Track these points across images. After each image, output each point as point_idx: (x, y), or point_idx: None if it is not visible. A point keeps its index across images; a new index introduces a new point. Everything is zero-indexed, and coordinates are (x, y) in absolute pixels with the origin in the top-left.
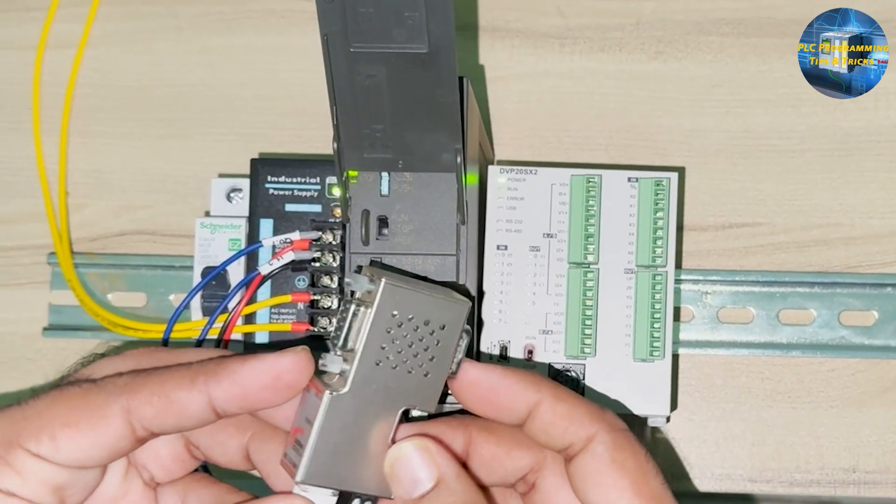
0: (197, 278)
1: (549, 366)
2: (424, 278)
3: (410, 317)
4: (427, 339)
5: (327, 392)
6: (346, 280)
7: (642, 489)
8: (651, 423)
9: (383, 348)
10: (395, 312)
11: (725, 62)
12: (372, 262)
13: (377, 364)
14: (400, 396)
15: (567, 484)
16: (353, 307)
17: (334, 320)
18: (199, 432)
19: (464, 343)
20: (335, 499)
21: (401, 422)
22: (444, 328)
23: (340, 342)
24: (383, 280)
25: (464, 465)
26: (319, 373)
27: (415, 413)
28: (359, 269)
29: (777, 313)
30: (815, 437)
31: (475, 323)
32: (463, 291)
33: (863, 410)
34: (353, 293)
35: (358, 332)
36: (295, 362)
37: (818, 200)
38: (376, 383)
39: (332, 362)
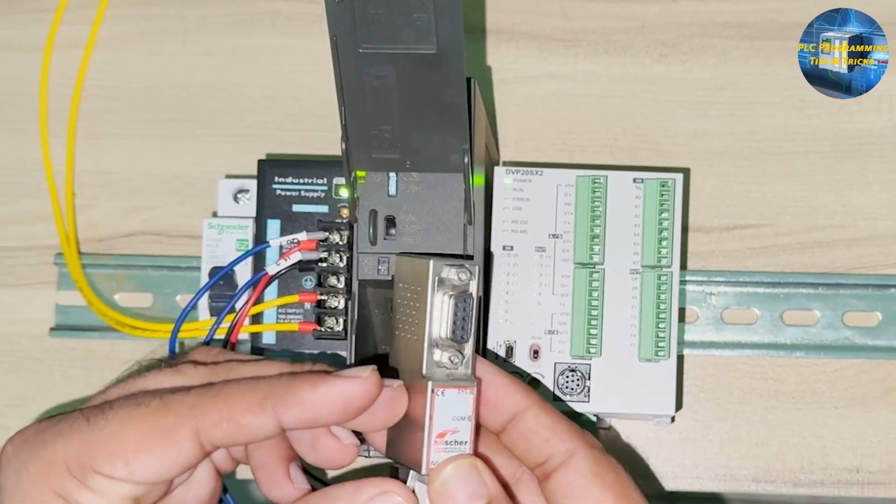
0: (204, 278)
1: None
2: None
3: (408, 286)
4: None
5: (473, 385)
6: (448, 275)
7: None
8: (656, 423)
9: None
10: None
11: (729, 65)
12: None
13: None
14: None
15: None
16: (465, 303)
17: (445, 320)
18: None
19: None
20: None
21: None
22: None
23: (464, 336)
24: (476, 267)
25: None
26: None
27: None
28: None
29: (781, 314)
30: (819, 437)
31: (481, 319)
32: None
33: (866, 411)
34: (446, 285)
35: (470, 323)
36: (364, 389)
37: (822, 202)
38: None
39: (448, 355)
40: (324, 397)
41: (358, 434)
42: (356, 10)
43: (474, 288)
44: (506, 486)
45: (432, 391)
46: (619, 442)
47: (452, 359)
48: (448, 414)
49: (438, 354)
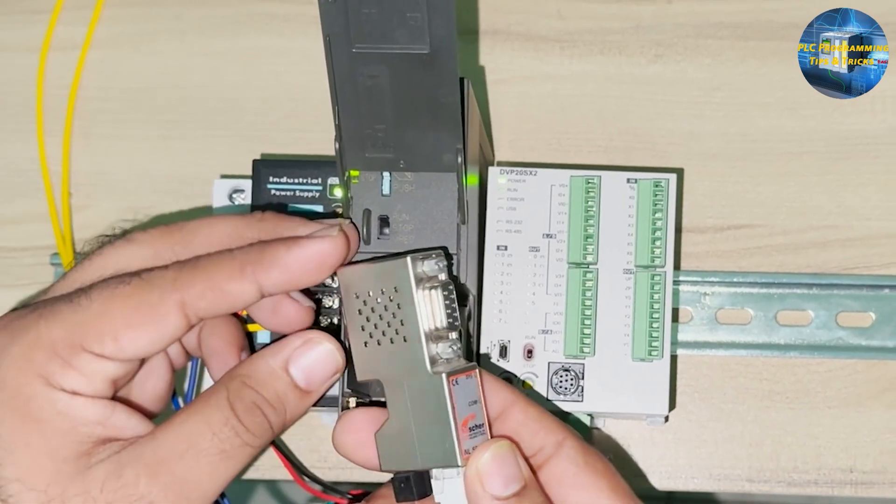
0: None
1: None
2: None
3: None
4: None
5: (477, 367)
6: (430, 266)
7: (617, 489)
8: (650, 422)
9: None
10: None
11: (724, 65)
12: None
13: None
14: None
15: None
16: (451, 293)
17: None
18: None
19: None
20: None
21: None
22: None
23: (457, 324)
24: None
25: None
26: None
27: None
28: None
29: (775, 314)
30: (813, 437)
31: (476, 317)
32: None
33: (860, 411)
34: (428, 277)
35: (455, 308)
36: (336, 245)
37: (816, 202)
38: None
39: (446, 343)
40: (300, 259)
41: None
42: (349, 9)
43: (445, 275)
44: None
45: (448, 380)
46: (613, 441)
47: (452, 347)
48: (464, 401)
49: (436, 347)
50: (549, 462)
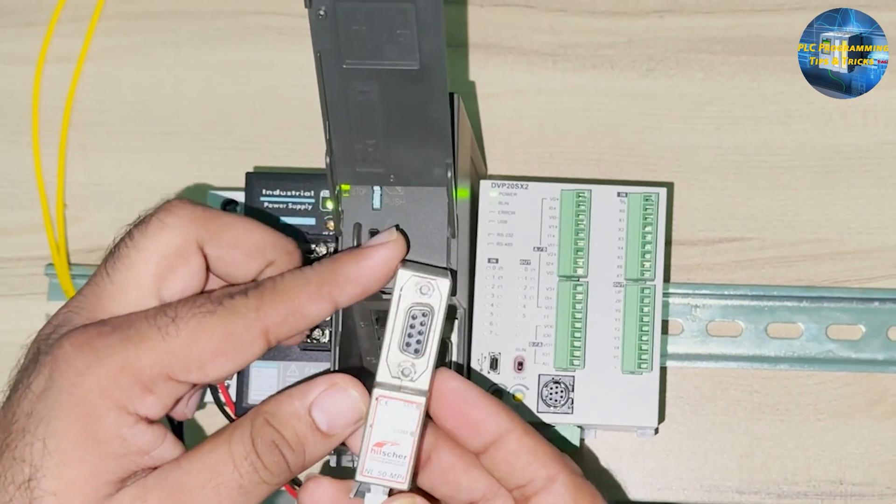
0: None
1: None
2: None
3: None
4: (424, 321)
5: (423, 400)
6: (410, 280)
7: None
8: (640, 435)
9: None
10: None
11: (716, 80)
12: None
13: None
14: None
15: None
16: (423, 317)
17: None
18: (220, 260)
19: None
20: (385, 495)
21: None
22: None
23: (419, 349)
24: (447, 281)
25: (421, 468)
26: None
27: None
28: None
29: (765, 327)
30: (803, 449)
31: (466, 329)
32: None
33: (850, 423)
34: (408, 296)
35: (429, 338)
36: (399, 248)
37: (807, 216)
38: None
39: (403, 367)
40: (370, 269)
41: None
42: (340, 25)
43: (438, 304)
44: None
45: (376, 399)
46: (605, 453)
47: (405, 371)
48: (390, 425)
49: (394, 364)
50: (537, 496)
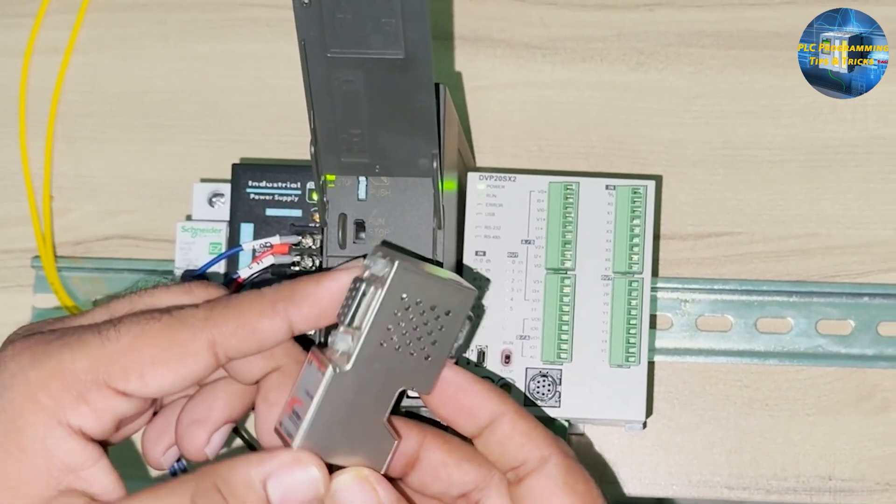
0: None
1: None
2: (435, 262)
3: (419, 300)
4: (432, 323)
5: (330, 367)
6: (365, 261)
7: None
8: (628, 429)
9: (389, 329)
10: (405, 295)
11: (706, 74)
12: (384, 243)
13: (381, 344)
14: (400, 377)
15: None
16: (363, 286)
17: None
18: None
19: (466, 329)
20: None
21: (398, 402)
22: (448, 314)
23: (347, 320)
24: (396, 263)
25: (411, 468)
26: (322, 346)
27: (411, 394)
28: (375, 249)
29: (755, 322)
30: (792, 444)
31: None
32: (469, 279)
33: (839, 419)
34: (365, 272)
35: (366, 312)
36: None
37: (796, 210)
38: (378, 363)
39: (339, 339)
40: (329, 290)
41: None
42: (324, 14)
43: (382, 285)
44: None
45: (308, 358)
46: (592, 449)
47: (338, 340)
48: (304, 384)
49: (335, 331)
50: (530, 477)
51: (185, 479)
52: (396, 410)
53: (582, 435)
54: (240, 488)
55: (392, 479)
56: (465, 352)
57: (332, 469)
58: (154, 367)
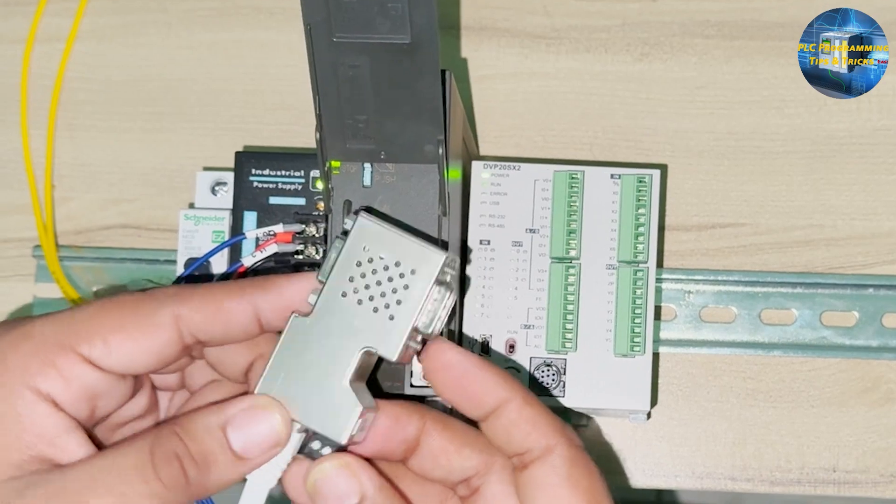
0: (180, 269)
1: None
2: (416, 232)
3: (381, 255)
4: (396, 280)
5: (293, 314)
6: (344, 220)
7: None
8: (632, 419)
9: (351, 280)
10: (366, 246)
11: (710, 64)
12: (367, 209)
13: (343, 295)
14: (361, 334)
15: (512, 494)
16: (335, 242)
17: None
18: (214, 348)
19: (447, 301)
20: (300, 436)
21: (361, 363)
22: (414, 273)
23: (320, 274)
24: (360, 215)
25: (412, 453)
26: None
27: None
28: (358, 211)
29: (759, 313)
30: (796, 436)
31: (458, 311)
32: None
33: (843, 410)
34: (343, 232)
35: (331, 262)
36: None
37: (801, 202)
38: (340, 314)
39: (311, 293)
40: (299, 285)
41: None
42: None
43: (348, 236)
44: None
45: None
46: (597, 439)
47: (310, 294)
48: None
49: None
50: (533, 465)
51: (144, 431)
52: (377, 388)
53: (586, 426)
54: (199, 433)
55: (393, 464)
56: (447, 327)
57: (305, 438)
58: (116, 334)
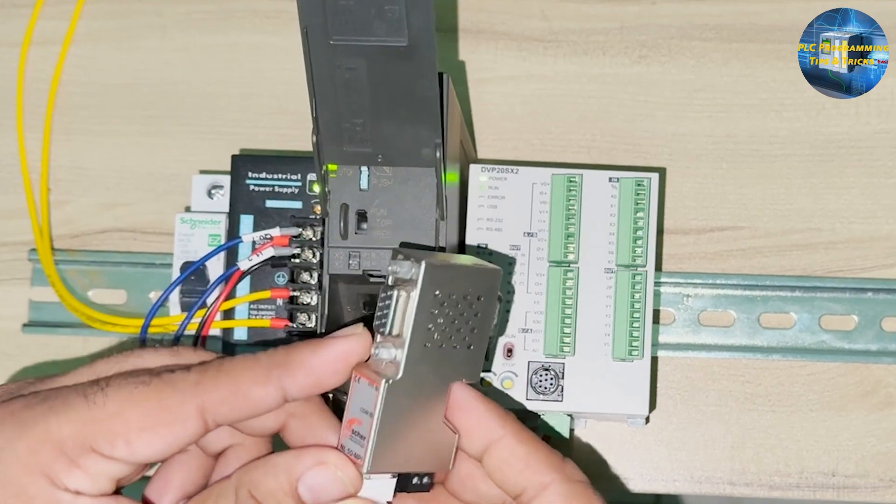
0: (176, 273)
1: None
2: (444, 250)
3: (452, 294)
4: (468, 312)
5: (383, 381)
6: (389, 268)
7: None
8: (630, 424)
9: (430, 329)
10: (438, 292)
11: (708, 67)
12: (402, 245)
13: (426, 346)
14: (449, 372)
15: None
16: (395, 293)
17: (379, 306)
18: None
19: (499, 308)
20: (394, 480)
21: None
22: (481, 298)
23: (388, 329)
24: (423, 262)
25: (444, 476)
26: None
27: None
28: (395, 253)
29: (758, 317)
30: (795, 440)
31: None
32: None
33: (842, 414)
34: (390, 279)
35: (404, 317)
36: (361, 344)
37: (799, 205)
38: (427, 364)
39: (382, 350)
40: (325, 359)
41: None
42: (327, 1)
43: (415, 286)
44: None
45: (353, 373)
46: (593, 445)
47: (381, 351)
48: (358, 403)
49: (377, 342)
50: None
51: (219, 490)
52: None
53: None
54: (274, 493)
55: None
56: (502, 332)
57: (402, 477)
58: (141, 434)
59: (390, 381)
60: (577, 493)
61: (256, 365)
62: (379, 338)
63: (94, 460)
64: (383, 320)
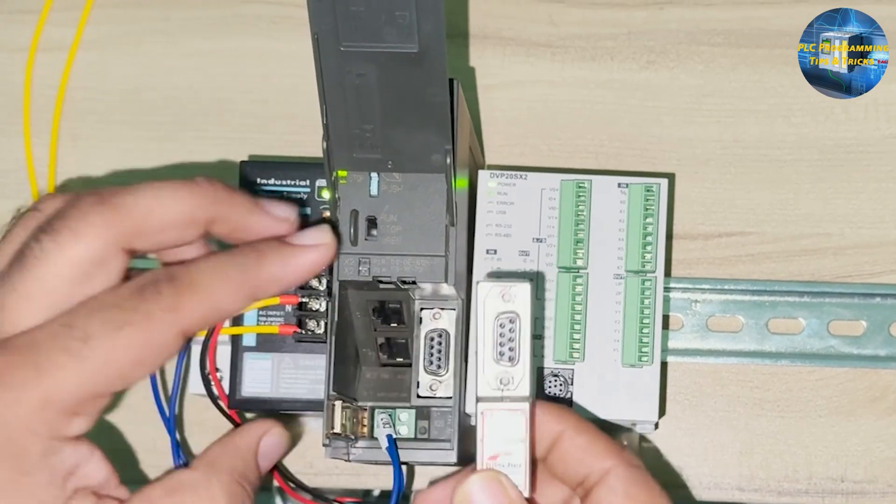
0: None
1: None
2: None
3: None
4: (509, 325)
5: (527, 404)
6: (502, 297)
7: None
8: (639, 429)
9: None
10: (498, 314)
11: (716, 72)
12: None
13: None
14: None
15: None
16: (518, 321)
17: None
18: (156, 247)
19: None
20: None
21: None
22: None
23: (517, 359)
24: (527, 285)
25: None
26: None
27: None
28: (483, 287)
29: (766, 322)
30: (804, 446)
31: (464, 321)
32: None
33: (851, 420)
34: (503, 308)
35: (518, 343)
36: (329, 254)
37: (808, 210)
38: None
39: (502, 376)
40: (296, 272)
41: None
42: (338, 7)
43: (522, 310)
44: None
45: (482, 413)
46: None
47: (503, 380)
48: (500, 435)
49: (492, 376)
50: (594, 490)
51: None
52: None
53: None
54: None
55: None
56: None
57: None
58: (133, 370)
59: (528, 404)
60: (637, 476)
61: (228, 281)
62: (497, 366)
63: (95, 403)
64: (501, 348)
